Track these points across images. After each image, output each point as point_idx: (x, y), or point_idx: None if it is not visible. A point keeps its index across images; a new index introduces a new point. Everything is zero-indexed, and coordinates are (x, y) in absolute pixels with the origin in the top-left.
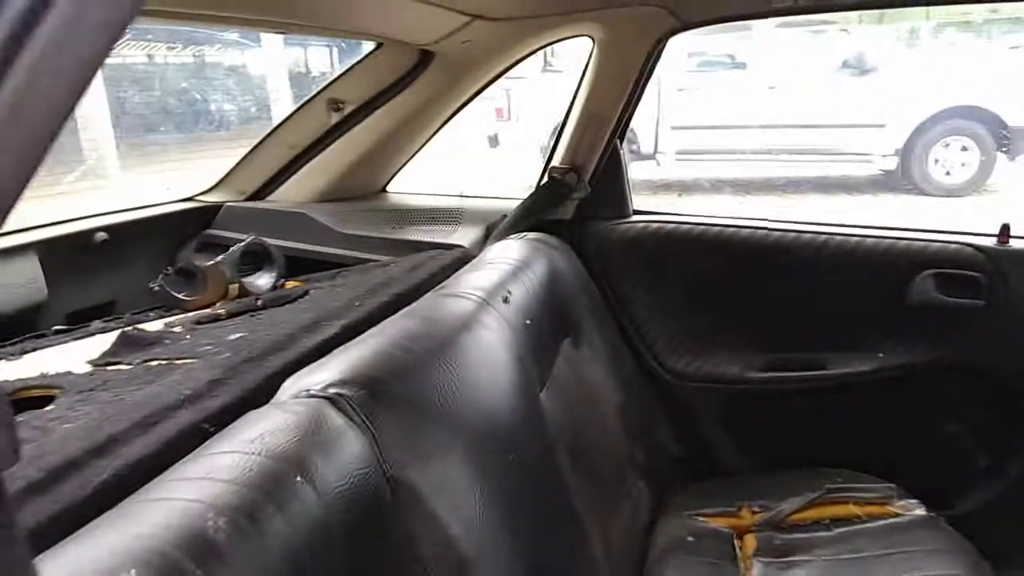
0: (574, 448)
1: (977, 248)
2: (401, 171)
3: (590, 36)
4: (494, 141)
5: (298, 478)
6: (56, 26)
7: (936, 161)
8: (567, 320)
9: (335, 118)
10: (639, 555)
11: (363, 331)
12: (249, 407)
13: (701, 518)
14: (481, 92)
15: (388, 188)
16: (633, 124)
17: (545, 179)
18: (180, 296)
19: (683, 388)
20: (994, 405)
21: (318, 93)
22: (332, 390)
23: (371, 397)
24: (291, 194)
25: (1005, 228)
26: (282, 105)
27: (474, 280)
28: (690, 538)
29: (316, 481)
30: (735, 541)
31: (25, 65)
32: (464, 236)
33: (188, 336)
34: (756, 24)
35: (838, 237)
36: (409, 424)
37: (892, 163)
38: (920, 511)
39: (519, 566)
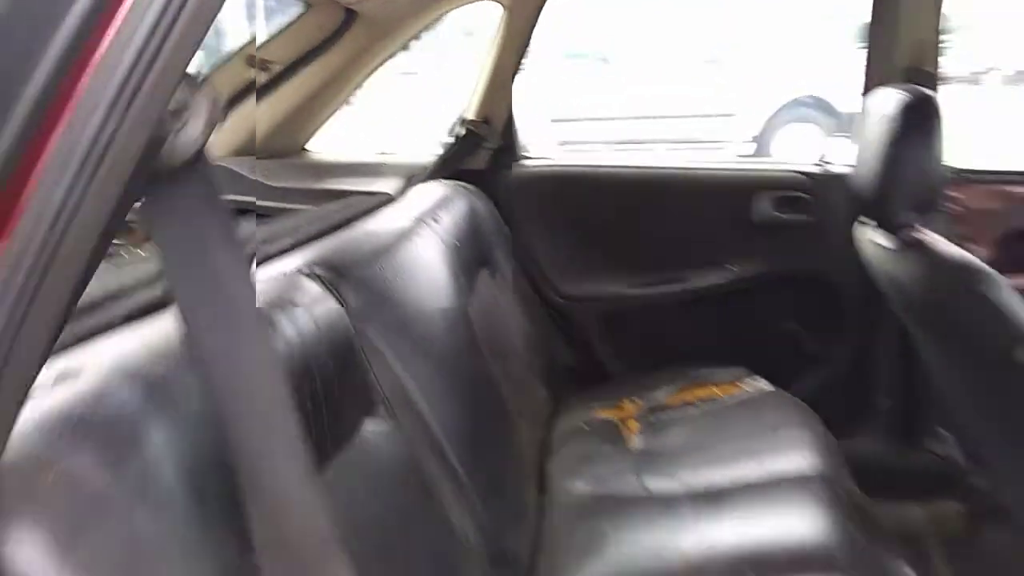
0: (493, 351)
1: (802, 172)
2: (320, 130)
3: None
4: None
5: (296, 308)
6: None
7: (784, 147)
8: (484, 253)
9: (263, 77)
10: (541, 445)
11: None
12: None
13: (592, 412)
14: (399, 51)
15: (307, 147)
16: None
17: (460, 131)
18: (115, 241)
19: (574, 308)
20: (820, 304)
21: (238, 51)
22: (304, 269)
23: (336, 275)
24: (216, 150)
25: (822, 156)
26: None
27: (406, 207)
28: (584, 426)
29: (310, 313)
30: (621, 425)
31: None
32: (387, 185)
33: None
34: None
35: (693, 171)
36: (366, 299)
37: (751, 149)
38: (767, 386)
39: (456, 415)
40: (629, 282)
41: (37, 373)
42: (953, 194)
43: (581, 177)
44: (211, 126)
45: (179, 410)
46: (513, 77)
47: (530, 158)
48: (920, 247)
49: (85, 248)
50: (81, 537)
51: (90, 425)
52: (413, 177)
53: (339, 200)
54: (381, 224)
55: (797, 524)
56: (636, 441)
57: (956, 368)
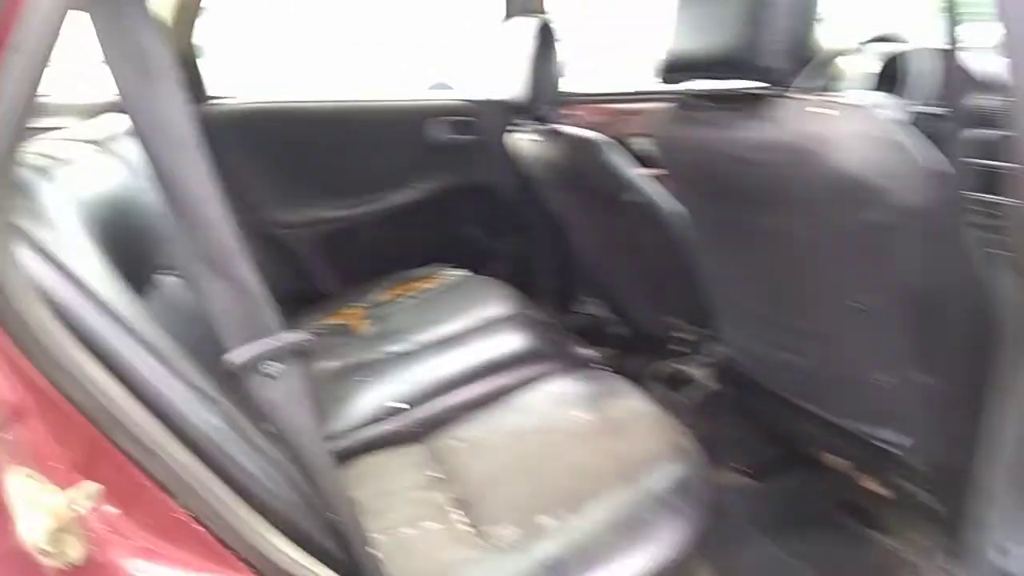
0: None
1: (467, 100)
2: None
3: None
4: None
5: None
6: None
7: None
8: None
9: None
10: None
11: None
12: None
13: (319, 321)
14: None
15: None
16: None
17: None
18: None
19: (290, 235)
20: (491, 208)
21: None
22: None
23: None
24: None
25: (473, 85)
26: None
27: (100, 126)
28: (315, 330)
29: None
30: (349, 323)
31: None
32: (66, 122)
33: None
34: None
35: (379, 103)
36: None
37: None
38: (464, 272)
39: None
40: (334, 206)
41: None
42: (571, 112)
43: (274, 114)
44: None
45: (76, 196)
46: (194, 17)
47: (218, 98)
48: (559, 133)
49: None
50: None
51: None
52: (95, 112)
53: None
54: (93, 131)
55: (511, 340)
56: (367, 329)
57: (590, 217)
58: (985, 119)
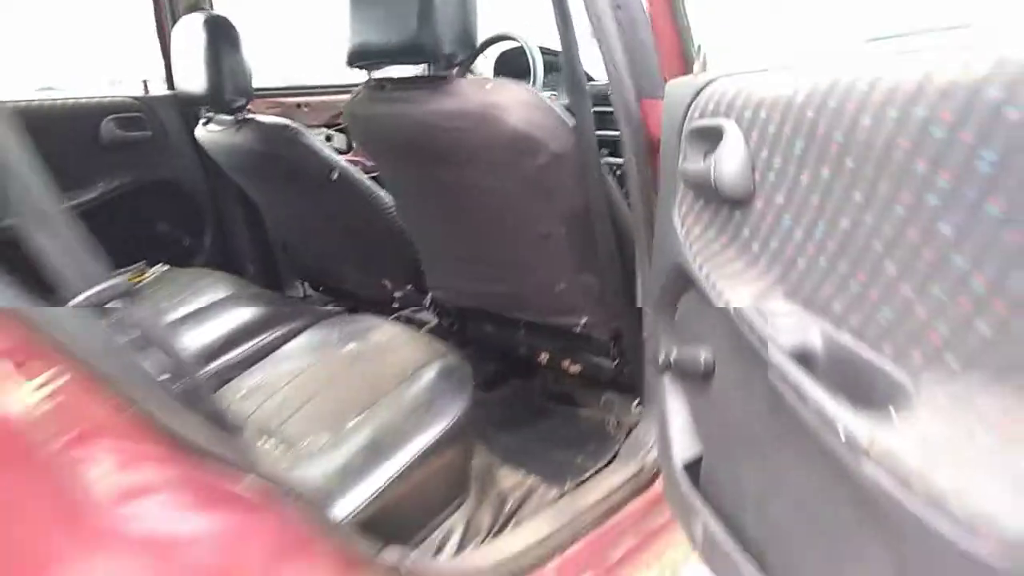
0: None
1: (132, 97)
2: None
3: None
4: None
5: None
6: None
7: None
8: None
9: None
10: None
11: None
12: None
13: None
14: None
15: None
16: None
17: None
18: None
19: None
20: (181, 204)
21: None
22: None
23: None
24: None
25: (145, 83)
26: None
27: None
28: None
29: None
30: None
31: None
32: None
33: None
34: None
35: (37, 102)
36: None
37: None
38: (168, 267)
39: None
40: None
41: None
42: (260, 104)
43: None
44: None
45: None
46: None
47: None
48: (251, 121)
49: None
50: None
51: None
52: None
53: None
54: None
55: (246, 312)
56: None
57: (293, 200)
58: (600, 100)
